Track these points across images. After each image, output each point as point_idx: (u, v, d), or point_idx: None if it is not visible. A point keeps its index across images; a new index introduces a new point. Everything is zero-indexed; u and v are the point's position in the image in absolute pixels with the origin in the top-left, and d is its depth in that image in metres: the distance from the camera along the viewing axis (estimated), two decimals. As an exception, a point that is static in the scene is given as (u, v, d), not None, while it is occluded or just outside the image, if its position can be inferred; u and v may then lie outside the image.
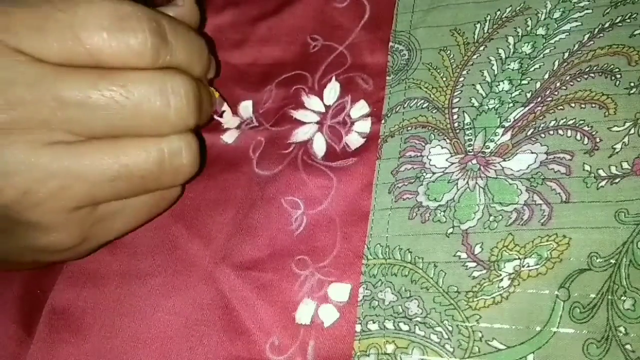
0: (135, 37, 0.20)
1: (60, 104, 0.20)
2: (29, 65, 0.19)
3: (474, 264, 0.22)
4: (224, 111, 0.28)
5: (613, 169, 0.21)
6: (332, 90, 0.28)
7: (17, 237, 0.22)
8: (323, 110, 0.28)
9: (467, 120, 0.24)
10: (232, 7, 0.32)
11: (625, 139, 0.21)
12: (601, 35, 0.24)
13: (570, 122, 0.23)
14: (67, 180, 0.20)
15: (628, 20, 0.23)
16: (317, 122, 0.27)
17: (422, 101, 0.26)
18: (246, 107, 0.29)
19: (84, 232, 0.23)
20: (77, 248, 0.23)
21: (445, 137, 0.24)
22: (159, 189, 0.24)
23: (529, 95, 0.24)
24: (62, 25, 0.20)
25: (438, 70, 0.26)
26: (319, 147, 0.27)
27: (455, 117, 0.25)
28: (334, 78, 0.28)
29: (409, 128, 0.25)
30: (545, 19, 0.25)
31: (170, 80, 0.21)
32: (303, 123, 0.27)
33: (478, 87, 0.25)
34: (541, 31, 0.25)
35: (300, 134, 0.27)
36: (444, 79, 0.26)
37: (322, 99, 0.28)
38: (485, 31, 0.26)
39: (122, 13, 0.20)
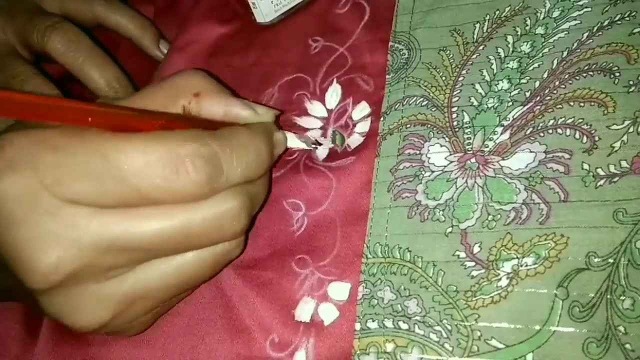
0: (190, 179, 0.20)
1: (122, 249, 0.20)
2: (91, 219, 0.19)
3: (472, 264, 0.22)
4: (316, 142, 0.27)
5: (612, 168, 0.21)
6: (334, 94, 0.28)
7: None
8: (326, 114, 0.28)
9: (466, 119, 0.24)
10: (238, 18, 0.33)
11: (624, 138, 0.21)
12: (600, 33, 0.24)
13: (569, 120, 0.23)
14: (133, 299, 0.22)
15: (627, 19, 0.23)
16: (321, 128, 0.28)
17: (422, 99, 0.26)
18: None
19: (155, 319, 0.24)
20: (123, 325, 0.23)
21: (444, 136, 0.24)
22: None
23: (528, 94, 0.24)
24: (116, 177, 0.19)
25: (437, 70, 0.26)
26: (322, 151, 0.27)
27: (454, 115, 0.25)
28: (335, 80, 0.28)
29: (408, 126, 0.25)
30: (544, 18, 0.25)
31: (223, 206, 0.21)
32: (307, 129, 0.28)
33: (477, 86, 0.25)
34: (540, 30, 0.25)
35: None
36: (444, 78, 0.26)
37: (324, 103, 0.28)
38: (485, 31, 0.26)
39: (176, 157, 0.20)
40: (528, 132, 0.23)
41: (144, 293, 0.22)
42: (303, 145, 0.26)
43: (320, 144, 0.27)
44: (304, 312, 0.23)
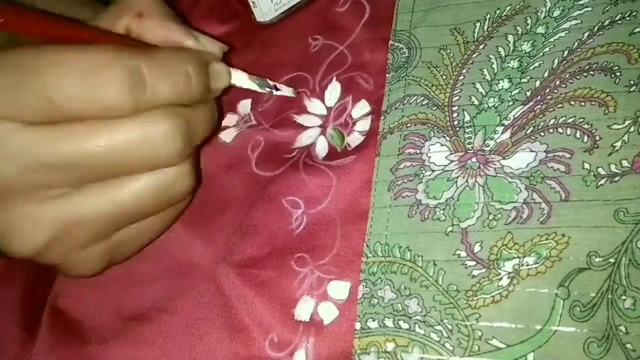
0: (109, 90, 0.20)
1: (52, 167, 0.20)
2: (15, 134, 0.19)
3: (473, 263, 0.22)
4: (275, 85, 0.26)
5: (613, 167, 0.21)
6: (333, 91, 0.28)
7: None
8: (325, 112, 0.28)
9: (467, 118, 0.24)
10: (238, 17, 0.32)
11: (625, 137, 0.21)
12: (601, 33, 0.24)
13: (570, 120, 0.23)
14: (68, 225, 0.21)
15: (628, 18, 0.23)
16: (320, 126, 0.27)
17: (422, 98, 0.26)
18: (244, 105, 0.29)
19: (103, 262, 0.24)
20: (103, 269, 0.25)
21: (444, 135, 0.24)
22: (161, 212, 0.24)
23: (528, 93, 0.24)
24: (33, 91, 0.19)
25: (438, 69, 0.26)
26: (321, 149, 0.27)
27: (455, 115, 0.25)
28: (334, 78, 0.28)
29: (409, 125, 0.25)
30: (544, 17, 0.25)
31: (153, 125, 0.21)
32: (306, 127, 0.28)
33: (478, 85, 0.25)
34: (541, 29, 0.25)
35: (304, 139, 0.27)
36: (444, 77, 0.26)
37: (323, 100, 0.28)
38: (485, 30, 0.26)
39: (91, 67, 0.19)
40: (529, 131, 0.23)
41: (82, 219, 0.21)
42: (255, 87, 0.26)
43: (278, 89, 0.26)
44: (303, 311, 0.23)
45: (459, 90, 0.25)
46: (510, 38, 0.25)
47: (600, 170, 0.21)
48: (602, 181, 0.21)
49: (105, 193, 0.21)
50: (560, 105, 0.23)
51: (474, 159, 0.23)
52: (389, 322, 0.22)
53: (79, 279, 0.25)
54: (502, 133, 0.23)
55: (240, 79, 0.26)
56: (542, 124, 0.23)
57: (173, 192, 0.23)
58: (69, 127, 0.20)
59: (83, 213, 0.21)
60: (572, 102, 0.23)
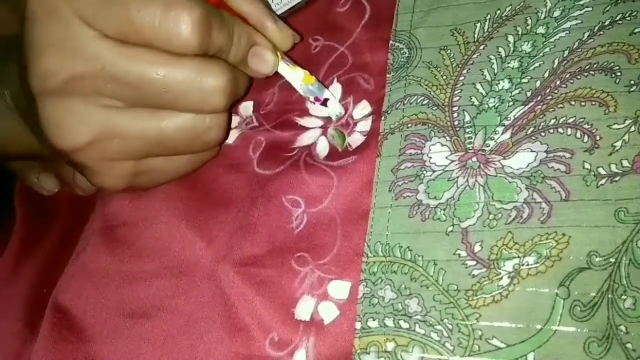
0: (184, 27, 0.22)
1: (114, 79, 0.23)
2: (93, 41, 0.22)
3: (473, 263, 0.22)
4: (327, 99, 0.27)
5: (613, 167, 0.21)
6: (334, 92, 0.28)
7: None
8: (326, 115, 0.28)
9: (467, 118, 0.24)
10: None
11: (626, 137, 0.21)
12: (601, 33, 0.24)
13: (570, 120, 0.23)
14: (110, 135, 0.24)
15: (628, 18, 0.23)
16: (321, 127, 0.27)
17: (422, 98, 0.26)
18: (246, 107, 0.29)
19: (127, 180, 0.26)
20: (124, 188, 0.27)
21: (445, 135, 0.24)
22: (191, 154, 0.26)
23: (529, 93, 0.24)
24: (120, 9, 0.22)
25: (438, 69, 0.26)
26: (322, 149, 0.27)
27: (455, 115, 0.25)
28: (335, 79, 0.28)
29: (409, 125, 0.25)
30: (545, 17, 0.25)
31: (210, 70, 0.23)
32: (307, 129, 0.28)
33: (478, 85, 0.25)
34: (541, 30, 0.25)
35: (304, 139, 0.27)
36: (444, 77, 0.26)
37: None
38: (486, 30, 0.26)
39: (176, 3, 0.22)
40: (529, 131, 0.23)
41: (123, 132, 0.24)
42: (298, 88, 0.27)
43: (325, 105, 0.27)
44: (303, 310, 0.23)
45: (459, 91, 0.25)
46: (511, 38, 0.25)
47: (600, 170, 0.21)
48: (603, 181, 0.21)
49: (150, 119, 0.24)
50: (561, 105, 0.23)
51: (474, 159, 0.23)
52: (389, 322, 0.22)
53: (101, 189, 0.27)
54: (503, 133, 0.23)
55: (292, 76, 0.27)
56: (542, 124, 0.23)
57: (207, 137, 0.25)
58: (139, 50, 0.22)
59: (126, 128, 0.24)
60: (573, 102, 0.23)
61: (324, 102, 0.27)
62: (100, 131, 0.23)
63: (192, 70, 0.23)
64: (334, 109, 0.27)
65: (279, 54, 0.27)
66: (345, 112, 0.27)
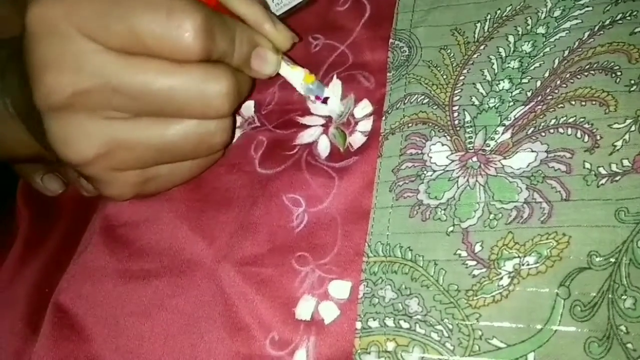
0: (187, 35, 0.22)
1: (118, 91, 0.23)
2: (95, 54, 0.22)
3: (474, 263, 0.22)
4: (327, 97, 0.27)
5: (613, 167, 0.21)
6: (335, 89, 0.28)
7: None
8: (328, 114, 0.28)
9: (468, 118, 0.24)
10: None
11: (626, 136, 0.21)
12: (601, 32, 0.24)
13: (571, 120, 0.23)
14: (116, 146, 0.24)
15: (628, 18, 0.23)
16: (323, 125, 0.27)
17: (423, 97, 0.26)
18: (248, 107, 0.29)
19: (135, 189, 0.26)
20: (132, 196, 0.27)
21: (445, 134, 0.24)
22: (197, 158, 0.27)
23: (529, 93, 0.24)
24: (120, 20, 0.22)
25: (438, 69, 0.26)
26: (324, 148, 0.27)
27: (455, 114, 0.25)
28: (334, 77, 0.28)
29: (410, 125, 0.25)
30: (545, 17, 0.25)
31: (214, 76, 0.23)
32: (309, 127, 0.28)
33: (478, 85, 0.25)
34: (541, 30, 0.25)
35: (305, 137, 0.27)
36: (445, 77, 0.26)
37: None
38: (486, 30, 0.26)
39: (175, 9, 0.22)
40: (529, 131, 0.23)
41: (129, 143, 0.24)
42: (299, 87, 0.27)
43: (326, 103, 0.27)
44: (304, 310, 0.23)
45: (459, 90, 0.25)
46: (511, 38, 0.25)
47: (601, 169, 0.21)
48: (603, 180, 0.21)
49: (156, 128, 0.24)
50: (561, 105, 0.23)
51: (474, 159, 0.23)
52: (389, 322, 0.22)
53: (110, 198, 0.27)
54: (503, 133, 0.24)
55: (293, 76, 0.27)
56: (542, 124, 0.23)
57: (212, 142, 0.25)
58: (142, 60, 0.22)
59: (132, 139, 0.24)
60: (573, 102, 0.23)
61: (325, 101, 0.27)
62: (107, 143, 0.23)
63: (196, 77, 0.23)
64: (335, 107, 0.27)
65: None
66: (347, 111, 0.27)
